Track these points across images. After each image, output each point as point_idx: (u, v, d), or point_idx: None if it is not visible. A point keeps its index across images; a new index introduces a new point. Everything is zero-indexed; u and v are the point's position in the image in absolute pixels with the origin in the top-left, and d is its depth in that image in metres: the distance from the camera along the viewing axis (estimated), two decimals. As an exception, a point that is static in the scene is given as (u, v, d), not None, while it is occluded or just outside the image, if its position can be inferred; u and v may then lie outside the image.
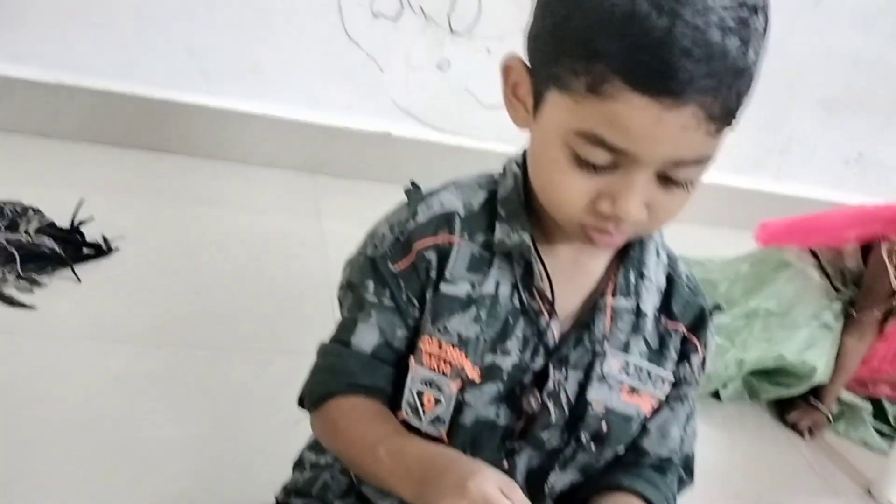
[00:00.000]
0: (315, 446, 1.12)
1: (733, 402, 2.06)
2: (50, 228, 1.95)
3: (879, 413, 2.16)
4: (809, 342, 2.02)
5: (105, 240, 2.02)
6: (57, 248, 1.87)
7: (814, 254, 2.15)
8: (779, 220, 2.28)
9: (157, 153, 2.54)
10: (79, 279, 1.86)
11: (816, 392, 2.04)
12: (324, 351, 0.95)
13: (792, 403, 2.07)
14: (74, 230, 1.99)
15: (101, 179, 2.33)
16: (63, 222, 2.00)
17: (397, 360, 0.92)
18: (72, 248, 1.92)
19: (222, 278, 2.03)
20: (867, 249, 2.05)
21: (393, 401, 0.92)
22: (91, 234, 2.01)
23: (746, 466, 1.83)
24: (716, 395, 2.05)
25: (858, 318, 2.02)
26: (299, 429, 1.12)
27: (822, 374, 2.00)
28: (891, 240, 1.98)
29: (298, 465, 1.13)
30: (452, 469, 0.71)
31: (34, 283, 1.79)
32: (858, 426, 2.09)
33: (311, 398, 0.93)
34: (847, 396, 2.15)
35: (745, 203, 3.00)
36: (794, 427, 2.02)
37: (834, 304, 2.08)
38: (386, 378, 0.91)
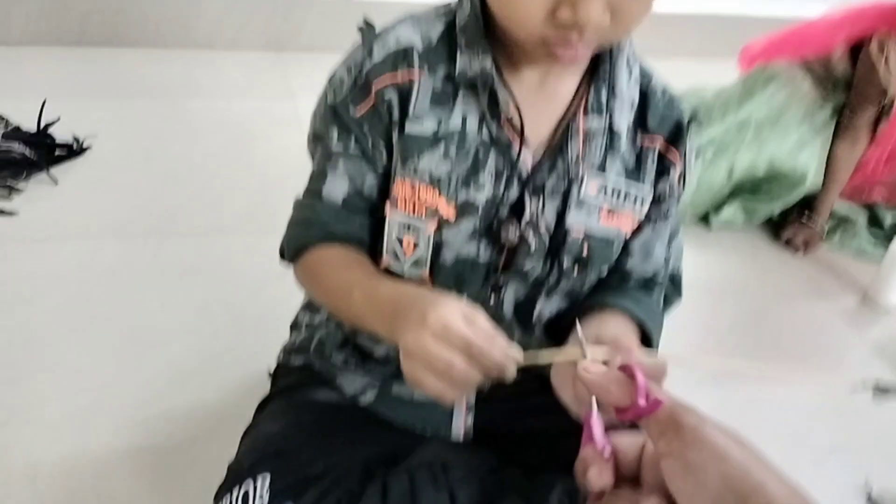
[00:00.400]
0: (308, 307, 1.14)
1: (726, 228, 2.07)
2: (17, 133, 1.90)
3: (874, 221, 2.16)
4: (800, 144, 2.00)
5: (76, 139, 1.98)
6: (28, 153, 1.83)
7: (802, 66, 2.09)
8: (761, 39, 2.21)
9: (116, 48, 2.45)
10: (55, 181, 1.83)
11: (809, 208, 2.04)
12: (298, 204, 0.94)
13: (785, 222, 2.07)
14: (43, 133, 1.94)
15: (61, 81, 2.25)
16: (29, 127, 1.95)
17: (370, 209, 0.91)
18: (43, 150, 1.88)
19: (201, 166, 2.00)
20: (856, 53, 1.99)
21: (372, 249, 0.92)
22: (61, 135, 1.96)
23: (741, 285, 1.86)
24: (705, 219, 2.06)
25: (850, 122, 1.98)
26: (291, 300, 1.14)
27: (813, 180, 2.00)
28: (881, 33, 1.91)
29: (295, 326, 1.15)
30: (416, 303, 0.70)
31: (11, 189, 1.76)
32: (853, 237, 2.10)
33: (290, 250, 0.93)
34: (841, 207, 2.14)
35: (733, 29, 2.89)
36: (788, 243, 2.03)
37: (825, 106, 2.04)
38: (359, 226, 0.90)
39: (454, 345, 0.64)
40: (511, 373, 0.64)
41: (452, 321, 0.65)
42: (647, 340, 0.92)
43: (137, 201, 1.82)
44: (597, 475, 0.48)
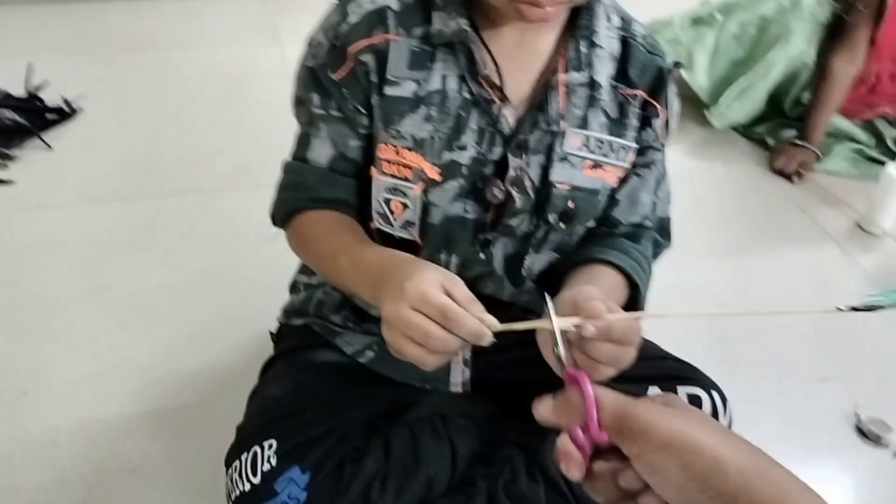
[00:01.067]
0: (305, 269, 1.16)
1: (719, 158, 2.07)
2: (6, 100, 1.90)
3: (879, 142, 2.13)
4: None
5: (66, 102, 1.97)
6: (19, 119, 1.83)
7: None
8: None
9: (97, 3, 2.41)
10: (49, 146, 1.84)
11: (802, 134, 2.02)
12: (286, 168, 0.95)
13: (777, 150, 2.06)
14: (32, 97, 1.93)
15: (45, 41, 2.23)
16: (17, 91, 1.94)
17: (356, 171, 0.92)
18: (34, 116, 1.88)
19: (194, 121, 2.00)
20: None
21: (362, 212, 0.94)
22: (50, 98, 1.96)
23: (733, 217, 1.87)
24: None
25: (848, 35, 1.94)
26: (292, 256, 1.15)
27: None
28: None
29: (294, 288, 1.17)
30: (396, 273, 0.71)
31: (5, 157, 1.77)
32: (848, 156, 2.07)
33: (280, 216, 0.95)
34: (840, 124, 2.11)
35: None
36: (781, 173, 2.01)
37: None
38: (346, 189, 0.91)
39: (430, 314, 0.66)
40: (487, 339, 0.66)
41: (429, 291, 0.66)
42: (635, 290, 0.95)
43: (133, 162, 1.82)
44: (567, 469, 0.51)
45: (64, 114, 1.93)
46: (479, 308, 0.67)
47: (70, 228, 1.60)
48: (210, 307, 1.42)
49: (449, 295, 0.67)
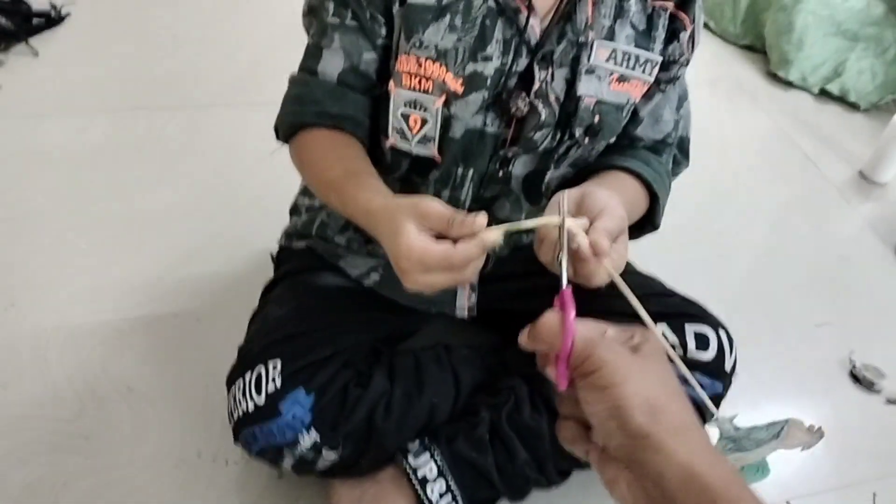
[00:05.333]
0: (306, 191, 1.12)
1: (728, 100, 2.03)
2: (-10, 1, 1.80)
3: None
4: None
5: (54, 6, 1.89)
6: (3, 22, 1.74)
7: None
8: None
9: None
10: (36, 52, 1.76)
11: None
12: (292, 80, 0.91)
13: None
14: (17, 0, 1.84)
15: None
16: (2, -8, 1.85)
17: (367, 87, 0.88)
18: (19, 19, 1.79)
19: (188, 33, 1.92)
20: None
21: (374, 130, 0.90)
22: (37, 2, 1.86)
23: (737, 158, 1.85)
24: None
25: None
26: (291, 175, 1.11)
27: None
28: None
29: (294, 210, 1.14)
30: (381, 234, 0.69)
31: (-10, 61, 1.69)
32: None
33: (283, 129, 0.91)
34: None
35: None
36: None
37: None
38: (355, 105, 0.87)
39: (438, 268, 0.63)
40: (491, 241, 0.63)
41: (423, 251, 0.63)
42: (654, 199, 0.94)
43: (123, 73, 1.75)
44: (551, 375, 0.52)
45: (51, 19, 1.85)
46: (469, 222, 0.62)
47: (58, 138, 1.54)
48: (206, 225, 1.38)
49: (435, 232, 0.64)
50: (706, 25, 2.29)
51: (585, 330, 0.51)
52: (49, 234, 1.33)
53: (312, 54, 0.88)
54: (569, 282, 0.57)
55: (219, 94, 1.73)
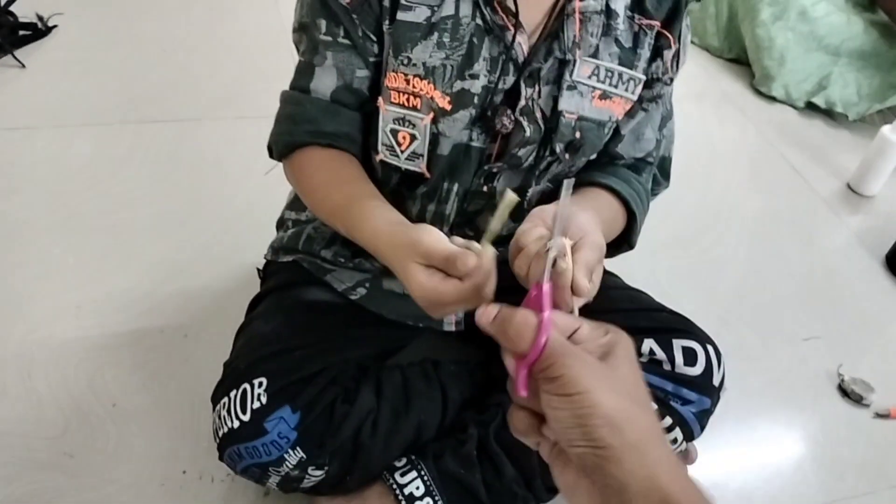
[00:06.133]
0: (293, 205, 1.12)
1: (713, 112, 2.05)
2: (-24, 13, 1.79)
3: None
4: None
5: (41, 18, 1.88)
6: (-10, 34, 1.74)
7: None
8: None
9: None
10: (22, 65, 1.75)
11: None
12: (285, 98, 0.91)
13: None
14: (4, 11, 1.83)
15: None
16: (-12, 4, 1.84)
17: (361, 104, 0.88)
18: (6, 31, 1.78)
19: (176, 46, 1.92)
20: None
21: (365, 144, 0.90)
22: (23, 13, 1.86)
23: (725, 171, 1.85)
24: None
25: None
26: (278, 189, 1.11)
27: None
28: None
29: (281, 224, 1.14)
30: (393, 265, 0.70)
31: (-25, 73, 1.68)
32: None
33: (278, 148, 0.91)
34: None
35: None
36: None
37: None
38: (349, 122, 0.87)
39: (454, 303, 0.64)
40: (490, 258, 0.64)
41: (434, 294, 0.64)
42: (631, 218, 0.94)
43: (110, 86, 1.74)
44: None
45: (38, 31, 1.84)
46: (464, 261, 0.63)
47: (44, 151, 1.53)
48: (192, 240, 1.37)
49: (441, 264, 0.65)
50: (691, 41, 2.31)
51: (555, 330, 0.50)
52: (34, 248, 1.32)
53: (305, 72, 0.88)
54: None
55: (206, 107, 1.72)
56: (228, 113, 1.71)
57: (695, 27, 2.32)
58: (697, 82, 2.18)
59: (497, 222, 0.64)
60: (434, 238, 0.66)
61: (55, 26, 1.89)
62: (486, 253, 0.64)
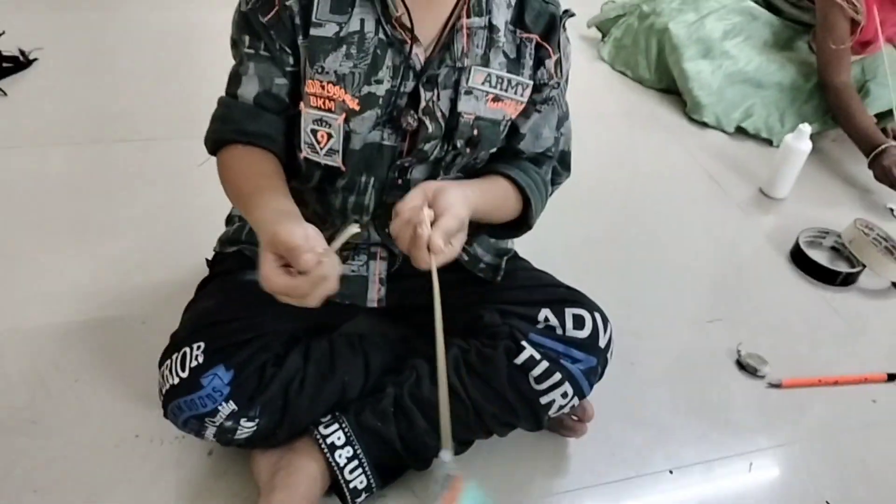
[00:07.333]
0: (239, 204, 1.26)
1: (637, 124, 2.21)
2: (-38, 48, 1.95)
3: None
4: None
5: (22, 52, 2.04)
6: (-26, 67, 1.89)
7: None
8: None
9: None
10: (5, 93, 1.90)
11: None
12: (219, 102, 1.06)
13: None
14: (-12, 46, 1.99)
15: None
16: (-26, 40, 2.00)
17: (281, 108, 1.03)
18: (-10, 63, 1.94)
19: (144, 75, 2.08)
20: None
21: (290, 144, 1.05)
22: (6, 48, 2.02)
23: (647, 182, 2.00)
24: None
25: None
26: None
27: None
28: None
29: (229, 220, 1.28)
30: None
31: (-40, 102, 1.83)
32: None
33: (208, 145, 1.06)
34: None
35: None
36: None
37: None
38: (270, 124, 1.02)
39: (282, 292, 0.80)
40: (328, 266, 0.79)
41: (268, 281, 0.79)
42: (528, 203, 1.09)
43: (85, 110, 1.90)
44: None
45: (20, 63, 2.00)
46: (304, 260, 0.77)
47: (20, 169, 1.68)
48: (154, 239, 1.51)
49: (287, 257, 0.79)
50: (623, 73, 2.50)
51: None
52: (8, 246, 1.46)
53: (233, 80, 1.04)
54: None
55: (172, 127, 1.88)
56: (191, 132, 1.84)
57: (627, 60, 2.49)
58: (629, 104, 2.35)
59: (337, 243, 0.81)
60: (288, 232, 0.79)
61: (36, 59, 2.05)
62: (328, 260, 0.78)
